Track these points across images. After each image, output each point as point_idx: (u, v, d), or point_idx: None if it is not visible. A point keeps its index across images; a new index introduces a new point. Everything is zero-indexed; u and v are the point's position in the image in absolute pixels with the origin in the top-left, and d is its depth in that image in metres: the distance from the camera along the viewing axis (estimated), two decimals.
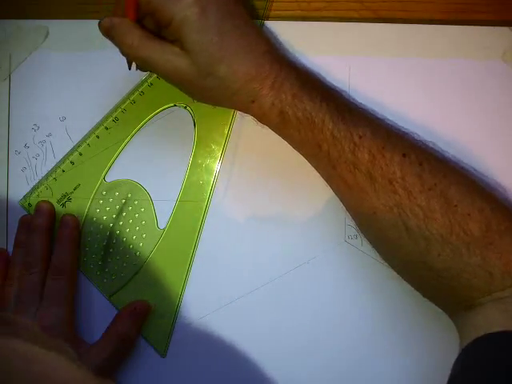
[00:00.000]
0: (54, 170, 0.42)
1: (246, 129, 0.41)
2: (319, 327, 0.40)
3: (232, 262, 0.41)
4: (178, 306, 0.41)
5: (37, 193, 0.42)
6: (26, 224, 0.41)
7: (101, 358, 0.38)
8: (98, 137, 0.42)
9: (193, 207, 0.41)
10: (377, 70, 0.41)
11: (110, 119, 0.42)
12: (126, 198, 0.42)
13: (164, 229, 0.42)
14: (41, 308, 0.39)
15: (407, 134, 0.38)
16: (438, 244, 0.33)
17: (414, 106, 0.41)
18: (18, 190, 0.42)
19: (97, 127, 0.42)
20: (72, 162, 0.42)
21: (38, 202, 0.42)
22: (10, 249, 0.42)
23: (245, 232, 0.41)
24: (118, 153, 0.42)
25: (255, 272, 0.41)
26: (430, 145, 0.39)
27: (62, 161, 0.42)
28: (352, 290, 0.40)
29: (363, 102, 0.41)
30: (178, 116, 0.42)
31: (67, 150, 0.42)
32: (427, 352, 0.39)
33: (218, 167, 0.42)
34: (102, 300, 0.41)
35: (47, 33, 0.42)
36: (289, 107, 0.35)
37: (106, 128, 0.42)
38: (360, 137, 0.35)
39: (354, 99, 0.41)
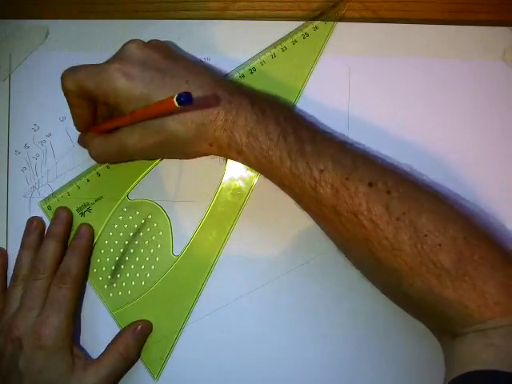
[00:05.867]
0: (78, 178, 0.42)
1: None
2: (319, 327, 0.40)
3: (231, 267, 0.41)
4: (179, 333, 0.41)
5: (58, 198, 0.42)
6: (33, 226, 0.41)
7: (99, 375, 0.38)
8: None
9: (210, 241, 0.41)
10: (377, 70, 0.41)
11: None
12: (146, 219, 0.41)
13: (178, 256, 0.41)
14: (40, 316, 0.38)
15: (377, 157, 0.37)
16: (408, 275, 0.32)
17: (413, 105, 0.41)
18: (18, 190, 0.42)
19: None
20: (98, 174, 0.42)
21: (58, 209, 0.41)
22: (10, 249, 0.42)
23: (245, 232, 0.41)
24: (145, 173, 0.42)
25: (255, 272, 0.41)
26: (406, 168, 0.37)
27: (89, 171, 0.42)
28: (352, 289, 0.40)
29: (363, 102, 0.41)
30: None
31: (67, 149, 0.42)
32: (429, 351, 0.39)
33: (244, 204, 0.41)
34: (106, 314, 0.41)
35: (47, 33, 0.42)
36: (245, 147, 0.35)
37: None
38: (321, 171, 0.34)
39: (323, 125, 0.40)
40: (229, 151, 0.36)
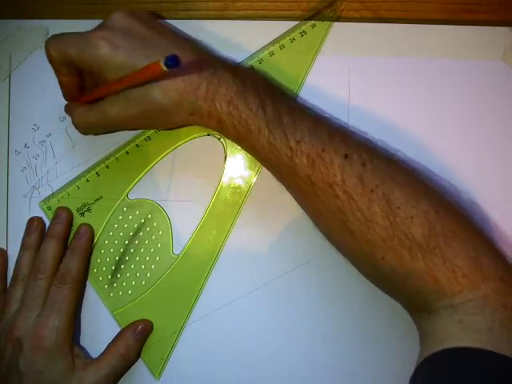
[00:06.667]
0: (78, 178, 0.42)
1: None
2: (319, 326, 0.40)
3: (232, 268, 0.41)
4: (180, 333, 0.41)
5: (58, 198, 0.42)
6: (33, 226, 0.41)
7: (98, 375, 0.38)
8: (127, 153, 0.42)
9: (210, 240, 0.41)
10: (377, 70, 0.41)
11: (142, 138, 0.41)
12: (146, 219, 0.41)
13: (178, 255, 0.41)
14: (40, 316, 0.38)
15: (354, 133, 0.38)
16: (380, 248, 0.33)
17: (413, 105, 0.41)
18: (18, 190, 0.42)
19: (128, 143, 0.42)
20: (98, 174, 0.42)
21: (58, 209, 0.41)
22: (10, 249, 0.42)
23: (245, 232, 0.41)
24: (145, 172, 0.42)
25: (255, 272, 0.41)
26: (380, 143, 0.38)
27: (88, 170, 0.42)
28: (352, 289, 0.40)
29: (363, 102, 0.41)
30: (211, 146, 0.41)
31: (67, 149, 0.42)
32: None
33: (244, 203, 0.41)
34: (107, 314, 0.41)
35: (47, 33, 0.42)
36: (225, 116, 0.35)
37: (137, 146, 0.41)
38: (297, 142, 0.34)
39: (304, 99, 0.40)
40: (209, 120, 0.36)
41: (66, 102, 0.41)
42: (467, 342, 0.30)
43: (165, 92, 0.35)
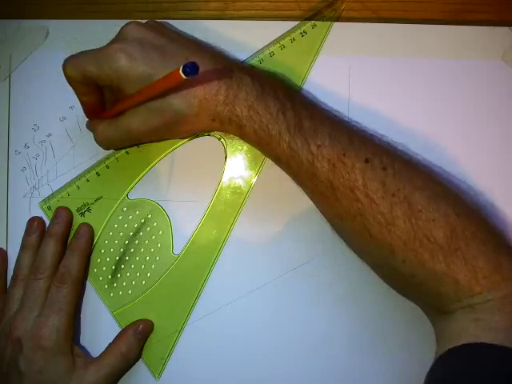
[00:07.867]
0: (78, 178, 0.42)
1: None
2: (319, 327, 0.40)
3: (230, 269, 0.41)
4: (180, 333, 0.41)
5: (58, 198, 0.42)
6: (34, 226, 0.41)
7: (99, 375, 0.38)
8: (127, 153, 0.42)
9: (210, 240, 0.41)
10: (377, 70, 0.41)
11: None
12: (146, 219, 0.41)
13: (178, 255, 0.41)
14: (40, 316, 0.38)
15: (373, 136, 0.38)
16: (401, 250, 0.33)
17: (413, 106, 0.41)
18: (18, 190, 0.42)
19: None
20: (98, 174, 0.42)
21: (58, 209, 0.41)
22: (10, 249, 0.42)
23: (245, 231, 0.41)
24: (145, 172, 0.42)
25: (255, 272, 0.41)
26: (399, 147, 0.38)
27: (88, 170, 0.42)
28: (352, 289, 0.40)
29: (363, 102, 0.41)
30: (211, 146, 0.41)
31: (67, 150, 0.42)
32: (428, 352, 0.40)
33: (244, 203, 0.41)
34: (107, 314, 0.41)
35: (47, 33, 0.42)
36: (246, 121, 0.35)
37: (137, 145, 0.41)
38: (318, 146, 0.34)
39: (318, 100, 0.40)
40: (230, 125, 0.36)
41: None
42: (484, 340, 0.30)
43: (185, 99, 0.35)
